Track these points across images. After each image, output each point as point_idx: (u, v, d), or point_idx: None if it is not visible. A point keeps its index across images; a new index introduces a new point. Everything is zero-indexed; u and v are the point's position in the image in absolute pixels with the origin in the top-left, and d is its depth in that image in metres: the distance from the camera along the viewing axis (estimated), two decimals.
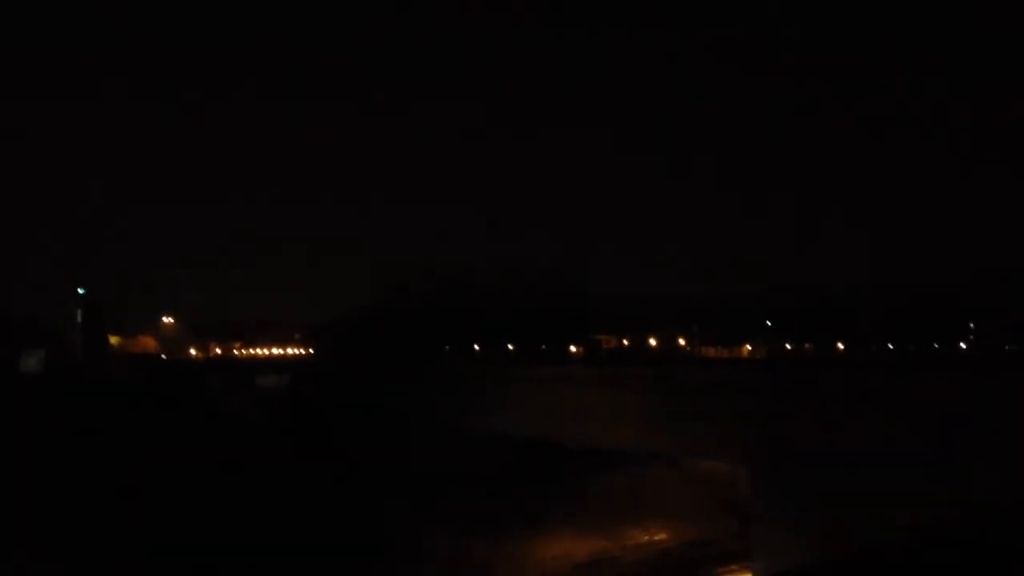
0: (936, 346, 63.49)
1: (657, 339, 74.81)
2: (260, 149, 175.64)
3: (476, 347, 72.23)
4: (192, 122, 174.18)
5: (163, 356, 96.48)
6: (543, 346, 72.20)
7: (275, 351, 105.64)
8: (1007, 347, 59.21)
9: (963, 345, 64.08)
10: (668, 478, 41.08)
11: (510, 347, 72.33)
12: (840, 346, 67.55)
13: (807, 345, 71.92)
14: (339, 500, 36.79)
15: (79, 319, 79.85)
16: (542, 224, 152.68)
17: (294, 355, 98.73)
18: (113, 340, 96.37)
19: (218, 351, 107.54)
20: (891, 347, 65.99)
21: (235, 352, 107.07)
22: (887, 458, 24.74)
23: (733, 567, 35.48)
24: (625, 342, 77.11)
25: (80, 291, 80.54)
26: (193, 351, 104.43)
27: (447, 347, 71.80)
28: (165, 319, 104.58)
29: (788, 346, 72.30)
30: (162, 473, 34.13)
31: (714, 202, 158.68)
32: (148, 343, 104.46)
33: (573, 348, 72.36)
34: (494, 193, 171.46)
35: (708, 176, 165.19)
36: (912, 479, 23.62)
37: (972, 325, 65.22)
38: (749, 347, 75.23)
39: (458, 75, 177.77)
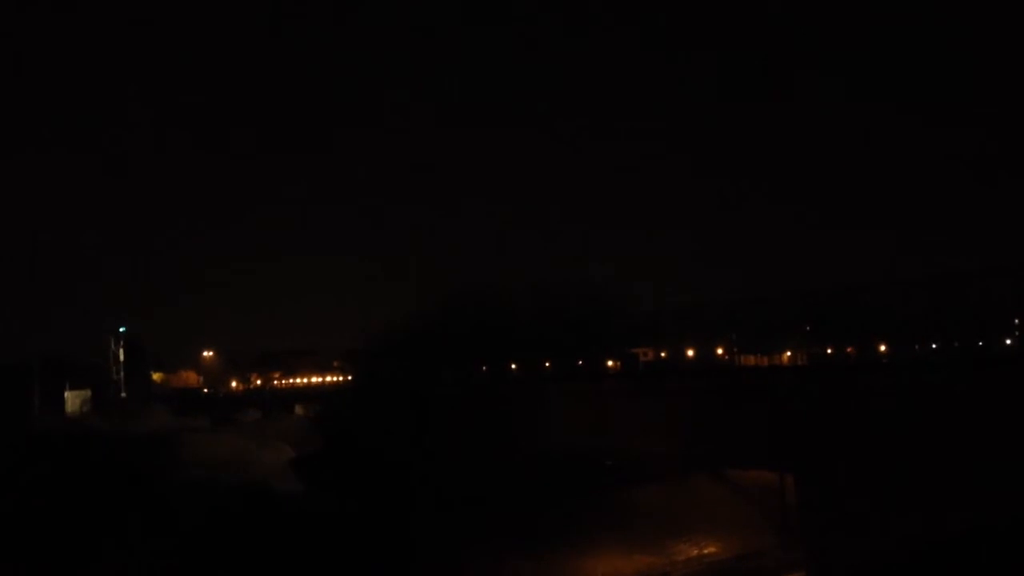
0: (980, 343, 62.04)
1: (695, 349, 74.12)
2: (299, 175, 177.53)
3: (512, 365, 72.11)
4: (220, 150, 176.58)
5: (204, 390, 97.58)
6: (579, 362, 71.86)
7: (314, 379, 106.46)
8: None
9: (1008, 341, 62.55)
10: (713, 489, 40.37)
11: (546, 364, 72.10)
12: (883, 348, 66.29)
13: (848, 348, 70.72)
14: (371, 519, 36.55)
15: (121, 357, 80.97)
16: (573, 238, 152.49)
17: (332, 382, 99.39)
18: (156, 376, 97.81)
19: (258, 382, 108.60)
20: (934, 346, 64.64)
21: (275, 383, 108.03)
22: (937, 461, 24.17)
23: None
24: (663, 354, 76.53)
25: (121, 329, 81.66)
26: (234, 383, 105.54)
27: (484, 367, 71.74)
28: (205, 353, 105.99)
29: (829, 350, 71.17)
30: None
31: (745, 208, 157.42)
32: (190, 378, 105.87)
33: (610, 362, 71.93)
34: (523, 207, 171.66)
35: (736, 184, 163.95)
36: (964, 482, 23.04)
37: (1017, 321, 63.54)
38: (789, 353, 74.22)
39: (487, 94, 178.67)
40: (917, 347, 65.50)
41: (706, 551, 37.70)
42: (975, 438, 23.52)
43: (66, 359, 77.28)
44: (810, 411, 29.14)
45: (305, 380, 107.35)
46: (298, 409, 75.15)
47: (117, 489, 39.57)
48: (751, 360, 74.32)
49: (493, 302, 74.45)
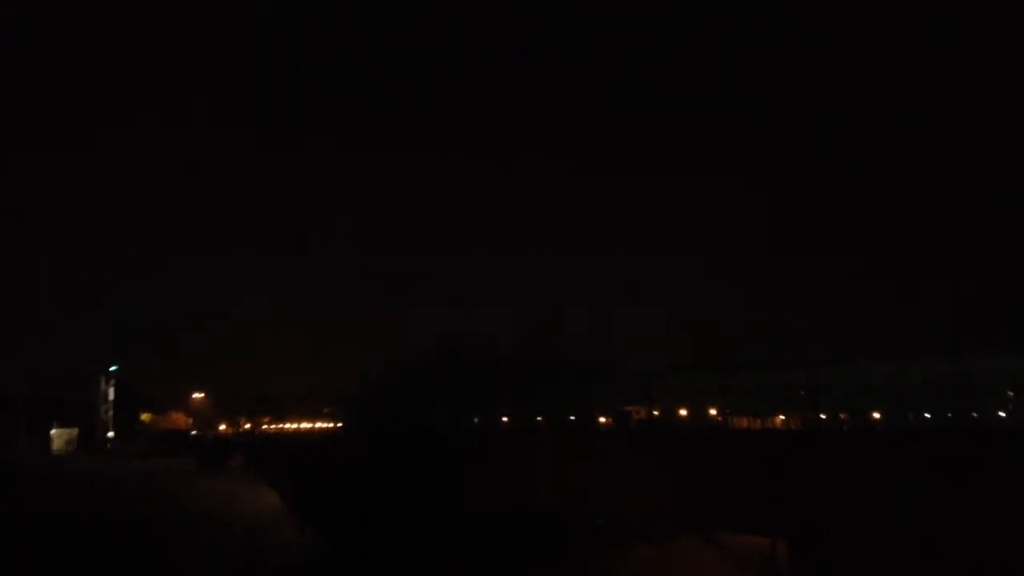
0: (975, 415, 61.71)
1: (688, 410, 73.73)
2: (295, 214, 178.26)
3: (504, 419, 71.58)
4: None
5: (192, 432, 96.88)
6: (572, 417, 71.35)
7: (304, 425, 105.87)
8: None
9: (1002, 414, 62.22)
10: (702, 552, 39.92)
11: (539, 419, 71.57)
12: (876, 415, 65.99)
13: (842, 415, 70.36)
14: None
15: (110, 396, 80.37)
16: (571, 293, 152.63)
17: (322, 429, 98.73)
18: (144, 417, 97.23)
19: (247, 426, 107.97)
20: (928, 415, 64.35)
21: (263, 427, 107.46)
22: (931, 531, 23.94)
23: None
24: (655, 412, 76.08)
25: (112, 368, 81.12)
26: (223, 426, 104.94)
27: (475, 419, 71.19)
28: (195, 395, 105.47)
29: (823, 416, 70.84)
30: None
31: (745, 271, 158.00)
32: (178, 419, 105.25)
33: (602, 419, 71.40)
34: (521, 259, 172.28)
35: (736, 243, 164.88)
36: (958, 553, 22.81)
37: (1011, 393, 63.24)
38: (783, 417, 73.83)
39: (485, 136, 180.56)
40: (911, 416, 65.20)
41: None
42: (969, 508, 23.31)
43: (55, 397, 76.56)
44: (803, 477, 28.85)
45: (294, 426, 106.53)
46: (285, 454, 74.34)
47: (93, 528, 39.01)
48: (744, 422, 73.96)
49: (487, 354, 74.24)
